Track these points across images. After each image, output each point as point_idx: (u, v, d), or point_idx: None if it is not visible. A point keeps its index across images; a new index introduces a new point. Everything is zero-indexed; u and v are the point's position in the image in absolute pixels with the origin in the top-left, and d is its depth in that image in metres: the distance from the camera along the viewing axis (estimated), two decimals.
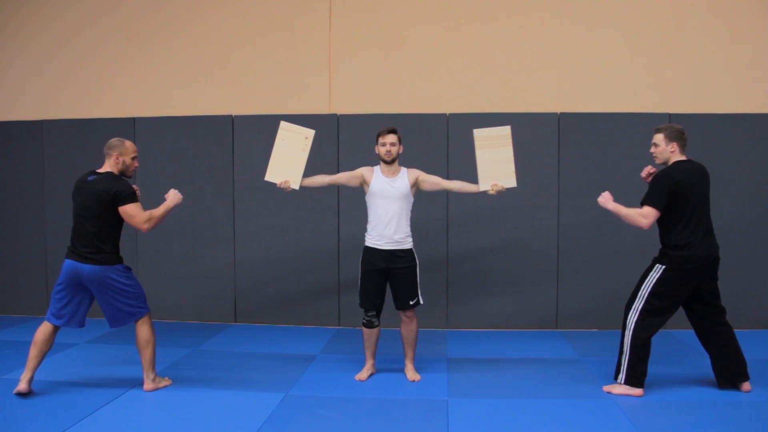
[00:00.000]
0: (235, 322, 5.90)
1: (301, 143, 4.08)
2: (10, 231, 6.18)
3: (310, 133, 4.10)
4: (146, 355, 3.96)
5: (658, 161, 3.98)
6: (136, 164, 4.01)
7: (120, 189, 3.81)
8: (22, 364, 4.45)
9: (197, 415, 3.62)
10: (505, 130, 4.09)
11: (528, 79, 5.91)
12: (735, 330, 3.89)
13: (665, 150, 3.89)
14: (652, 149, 3.96)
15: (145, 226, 3.86)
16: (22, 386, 3.82)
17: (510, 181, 4.07)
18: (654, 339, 3.83)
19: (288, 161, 4.08)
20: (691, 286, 3.86)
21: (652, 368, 4.33)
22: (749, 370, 3.94)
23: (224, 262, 5.87)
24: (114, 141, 3.96)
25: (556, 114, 5.58)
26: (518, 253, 5.59)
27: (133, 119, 5.96)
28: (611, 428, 3.39)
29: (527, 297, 5.62)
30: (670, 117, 5.44)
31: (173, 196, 4.04)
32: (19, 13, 6.44)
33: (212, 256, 5.87)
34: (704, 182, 3.91)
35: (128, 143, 3.97)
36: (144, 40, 6.28)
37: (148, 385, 3.97)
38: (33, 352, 3.90)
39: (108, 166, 3.92)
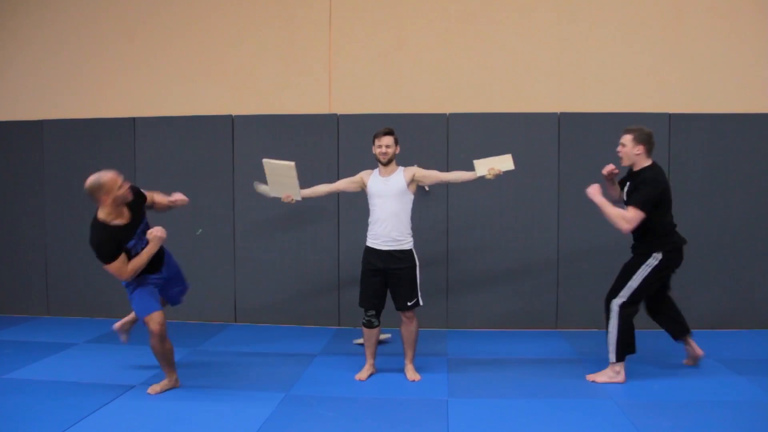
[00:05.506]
0: (235, 322, 5.90)
1: (287, 170, 4.21)
2: (10, 231, 6.17)
3: (291, 164, 4.20)
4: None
5: (623, 162, 4.09)
6: (127, 188, 3.70)
7: (96, 253, 3.72)
8: (23, 364, 4.50)
9: (197, 414, 3.62)
10: (506, 157, 4.07)
11: (528, 79, 5.91)
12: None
13: (631, 151, 4.02)
14: (619, 149, 4.07)
15: (129, 278, 3.85)
16: None
17: (507, 164, 4.04)
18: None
19: (283, 182, 4.25)
20: (671, 271, 4.12)
21: (653, 368, 4.36)
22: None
23: (224, 262, 5.87)
24: (92, 186, 3.61)
25: (556, 114, 5.58)
26: (518, 253, 5.59)
27: (133, 119, 5.96)
28: (611, 428, 3.39)
29: (527, 297, 5.61)
30: (671, 117, 5.45)
31: (157, 237, 3.87)
32: (19, 13, 6.44)
33: (212, 256, 5.87)
34: None
35: (105, 178, 3.61)
36: (144, 40, 6.27)
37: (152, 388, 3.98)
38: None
39: (101, 210, 3.70)
